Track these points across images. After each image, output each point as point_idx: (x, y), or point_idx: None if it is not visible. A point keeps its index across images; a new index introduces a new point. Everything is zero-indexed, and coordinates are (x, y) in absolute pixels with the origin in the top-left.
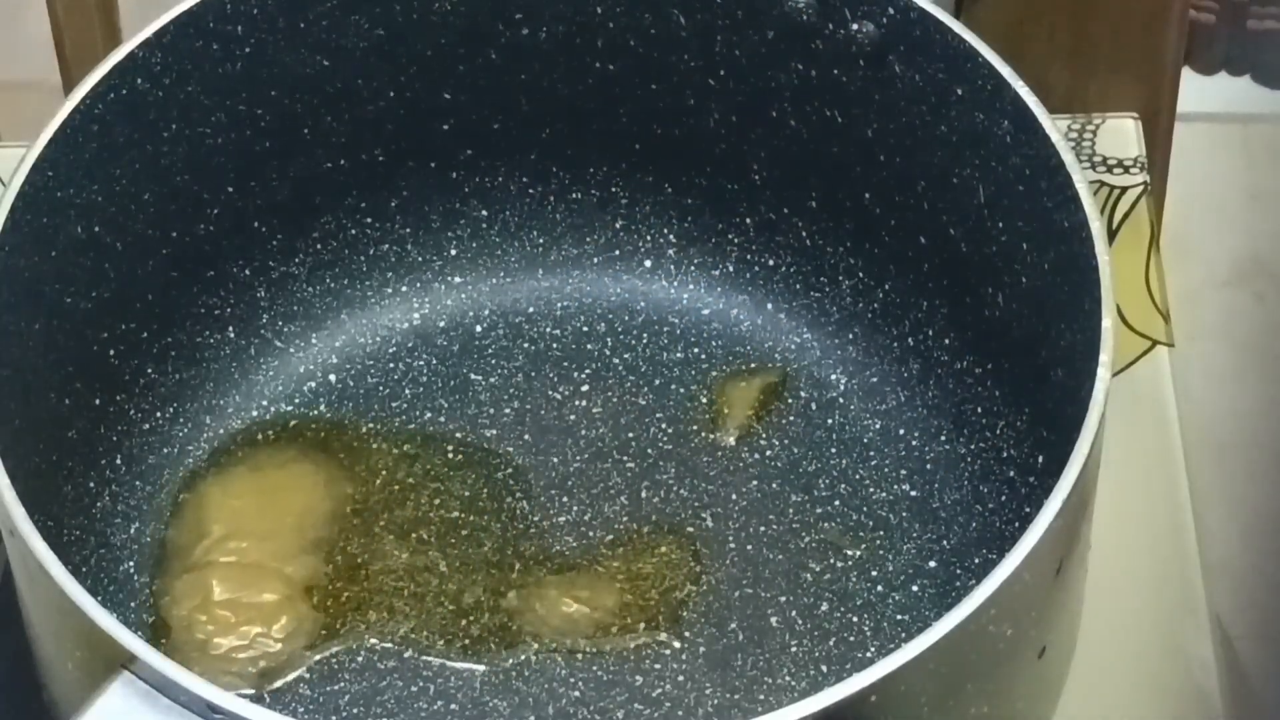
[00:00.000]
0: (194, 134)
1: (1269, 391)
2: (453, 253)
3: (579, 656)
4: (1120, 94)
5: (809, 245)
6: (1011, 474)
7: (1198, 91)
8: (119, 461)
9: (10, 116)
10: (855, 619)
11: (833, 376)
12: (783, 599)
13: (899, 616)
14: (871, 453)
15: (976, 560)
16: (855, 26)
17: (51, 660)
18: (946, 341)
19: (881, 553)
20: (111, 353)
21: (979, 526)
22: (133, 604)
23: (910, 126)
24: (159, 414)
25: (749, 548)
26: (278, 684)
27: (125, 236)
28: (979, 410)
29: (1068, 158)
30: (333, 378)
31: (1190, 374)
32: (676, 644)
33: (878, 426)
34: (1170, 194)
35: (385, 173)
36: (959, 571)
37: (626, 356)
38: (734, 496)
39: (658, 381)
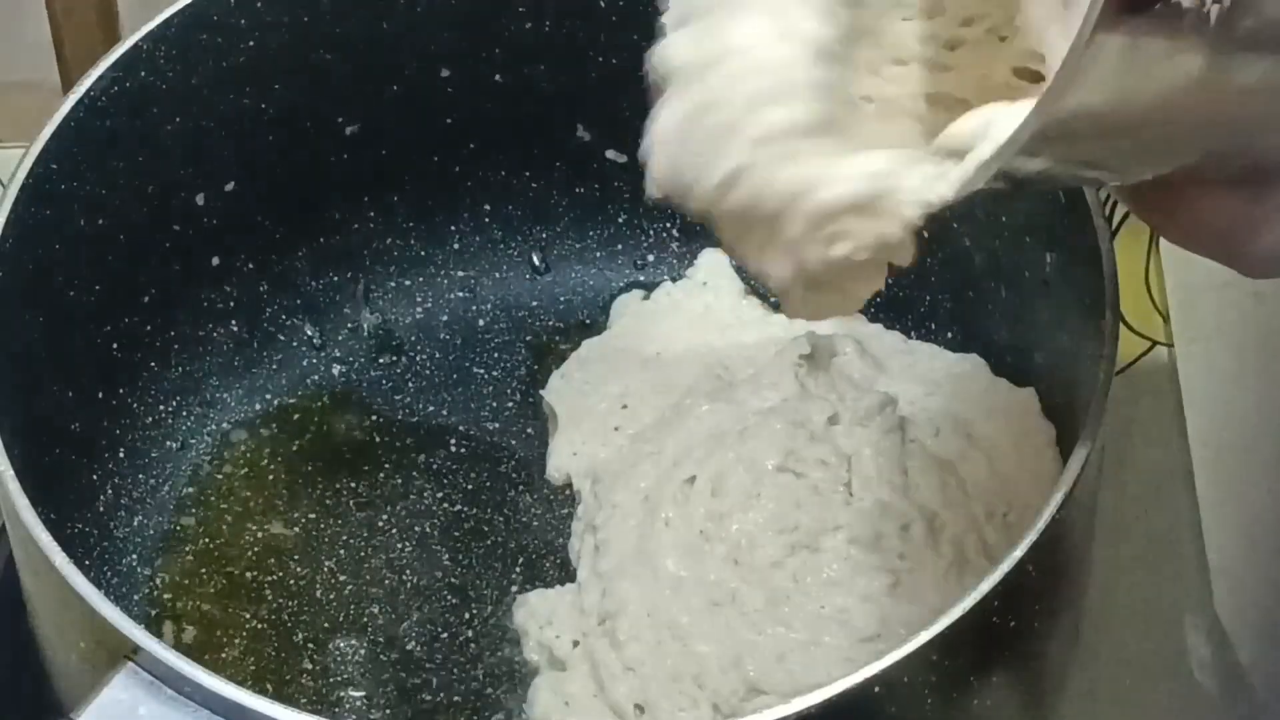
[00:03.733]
0: (197, 127)
1: (1269, 391)
2: (455, 246)
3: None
4: None
5: None
6: None
7: None
8: (122, 455)
9: (10, 117)
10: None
11: None
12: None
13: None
14: None
15: None
16: None
17: (55, 653)
18: (950, 335)
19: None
20: (114, 346)
21: None
22: (136, 596)
23: None
24: (162, 407)
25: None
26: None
27: (128, 230)
28: None
29: None
30: (335, 371)
31: (1190, 374)
32: None
33: None
34: None
35: (388, 166)
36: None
37: None
38: None
39: None
